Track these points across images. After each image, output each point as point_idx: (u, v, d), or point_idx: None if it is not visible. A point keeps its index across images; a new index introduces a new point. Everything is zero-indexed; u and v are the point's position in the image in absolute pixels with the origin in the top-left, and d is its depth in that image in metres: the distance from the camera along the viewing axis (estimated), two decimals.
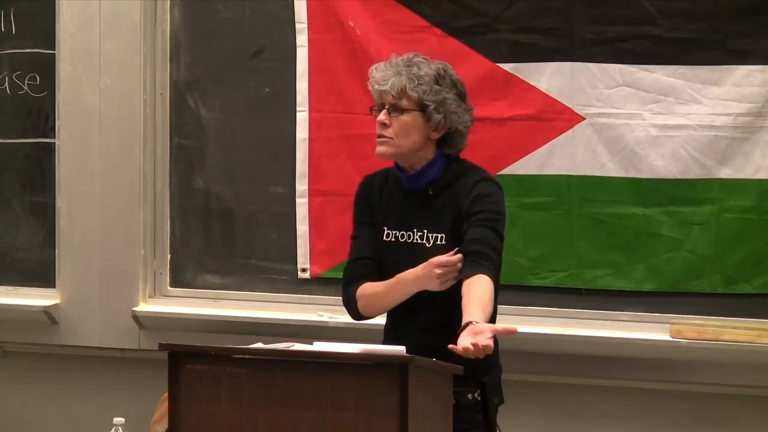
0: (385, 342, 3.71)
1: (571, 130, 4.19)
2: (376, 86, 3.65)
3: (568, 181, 4.20)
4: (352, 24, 4.34)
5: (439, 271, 3.52)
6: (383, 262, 3.69)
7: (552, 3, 4.19)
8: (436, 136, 3.65)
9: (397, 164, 3.70)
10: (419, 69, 3.63)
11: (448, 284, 3.53)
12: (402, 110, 3.62)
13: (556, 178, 4.21)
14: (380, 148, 3.65)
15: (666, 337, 4.14)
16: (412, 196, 3.69)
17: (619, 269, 4.19)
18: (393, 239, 3.70)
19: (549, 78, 4.20)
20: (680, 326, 4.13)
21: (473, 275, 3.45)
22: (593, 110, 4.18)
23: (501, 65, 4.23)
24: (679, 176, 4.13)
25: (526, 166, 4.23)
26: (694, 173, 4.12)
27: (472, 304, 3.38)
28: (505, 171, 4.23)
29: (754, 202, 4.08)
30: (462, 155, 3.95)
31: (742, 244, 4.10)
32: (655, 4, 4.11)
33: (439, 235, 3.63)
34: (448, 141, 3.66)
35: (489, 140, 4.23)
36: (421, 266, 3.55)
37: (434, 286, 3.53)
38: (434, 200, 3.65)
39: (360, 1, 4.34)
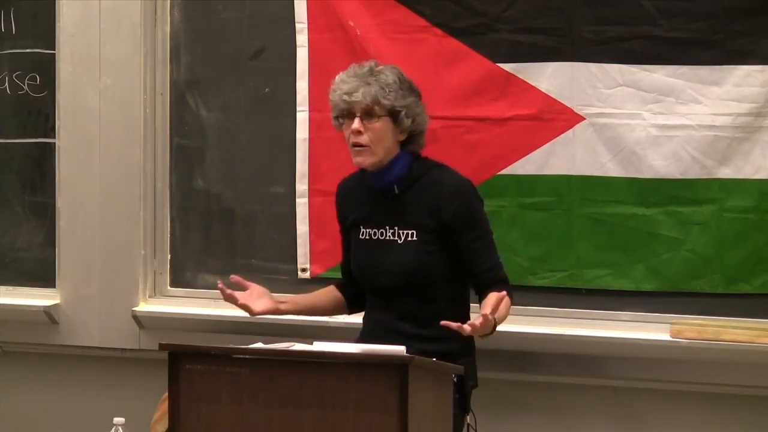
0: (363, 329, 3.90)
1: (571, 130, 4.19)
2: (345, 97, 3.79)
3: (568, 181, 4.20)
4: (352, 24, 4.34)
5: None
6: (358, 259, 3.90)
7: (552, 3, 4.19)
8: (402, 138, 3.83)
9: None
10: (386, 77, 3.80)
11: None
12: (374, 116, 3.77)
13: (556, 178, 4.21)
14: (358, 159, 3.81)
15: (666, 337, 4.14)
16: (383, 194, 3.84)
17: (619, 269, 4.19)
18: (367, 237, 3.88)
19: (549, 78, 4.19)
20: (680, 326, 4.13)
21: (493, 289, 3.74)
22: (593, 110, 4.17)
23: (501, 65, 4.23)
24: (679, 176, 4.12)
25: (526, 166, 4.23)
26: (694, 173, 4.11)
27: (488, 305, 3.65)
28: (505, 171, 4.23)
29: (754, 202, 4.08)
30: (463, 155, 3.98)
31: (742, 244, 4.09)
32: (655, 4, 4.11)
33: (410, 232, 3.81)
34: (411, 141, 3.85)
35: (489, 140, 4.23)
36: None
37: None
38: (402, 197, 3.82)
39: (360, 1, 4.33)
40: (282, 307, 3.98)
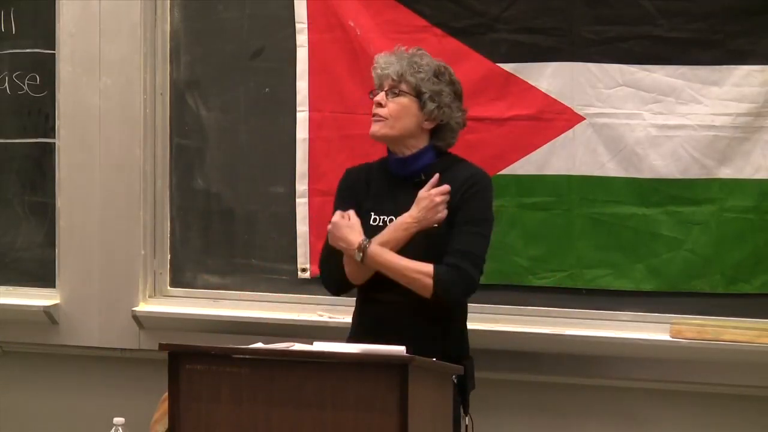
0: (358, 329, 3.86)
1: (571, 130, 4.20)
2: (378, 71, 3.84)
3: (568, 181, 4.20)
4: (352, 24, 4.34)
5: (439, 199, 3.68)
6: None
7: (552, 3, 4.19)
8: (428, 126, 3.82)
9: (388, 150, 3.86)
10: (421, 59, 3.83)
11: (444, 213, 3.68)
12: (399, 93, 3.79)
13: (556, 178, 4.21)
14: (374, 127, 3.82)
15: (666, 337, 4.14)
16: (401, 182, 3.82)
17: (619, 269, 4.19)
18: (381, 224, 3.83)
19: (549, 78, 4.20)
20: (680, 326, 4.14)
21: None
22: (593, 110, 4.18)
23: (501, 65, 4.24)
24: (679, 176, 4.13)
25: (526, 166, 4.23)
26: (694, 173, 4.12)
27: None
28: (505, 171, 4.23)
29: (754, 202, 4.08)
30: (463, 155, 3.98)
31: (742, 244, 4.10)
32: (655, 4, 4.12)
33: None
34: (439, 134, 3.84)
35: (489, 140, 4.23)
36: (415, 204, 3.69)
37: (434, 217, 3.68)
38: (425, 186, 3.77)
39: (360, 1, 4.34)
40: None
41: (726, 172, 4.09)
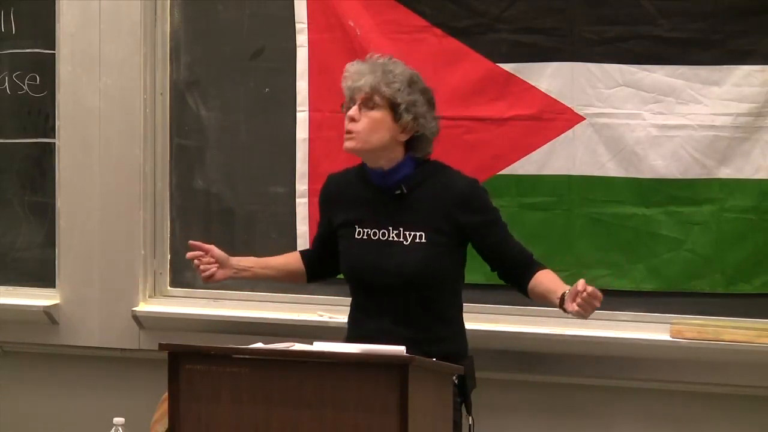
0: (353, 334, 3.85)
1: (571, 130, 4.20)
2: (350, 82, 3.75)
3: (568, 181, 4.20)
4: (352, 24, 4.34)
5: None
6: (355, 259, 3.81)
7: (552, 3, 4.19)
8: (403, 137, 3.76)
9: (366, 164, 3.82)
10: (395, 69, 3.75)
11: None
12: (373, 106, 3.72)
13: (556, 178, 4.21)
14: (347, 143, 3.76)
15: (666, 337, 4.14)
16: (384, 195, 3.79)
17: (619, 269, 4.19)
18: (365, 237, 3.81)
19: (549, 78, 4.20)
20: (680, 326, 4.14)
21: (538, 271, 3.77)
22: (593, 110, 4.18)
23: (501, 65, 4.23)
24: (679, 176, 4.13)
25: (526, 166, 4.23)
26: (694, 173, 4.12)
27: (554, 283, 3.71)
28: (505, 171, 4.23)
29: (754, 202, 4.08)
30: (463, 155, 3.97)
31: (742, 244, 4.10)
32: (655, 4, 4.12)
33: (418, 234, 3.75)
34: (415, 145, 3.78)
35: (489, 140, 4.23)
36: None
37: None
38: (408, 198, 3.77)
39: (360, 1, 4.34)
40: (243, 275, 4.01)
41: (726, 172, 4.09)
